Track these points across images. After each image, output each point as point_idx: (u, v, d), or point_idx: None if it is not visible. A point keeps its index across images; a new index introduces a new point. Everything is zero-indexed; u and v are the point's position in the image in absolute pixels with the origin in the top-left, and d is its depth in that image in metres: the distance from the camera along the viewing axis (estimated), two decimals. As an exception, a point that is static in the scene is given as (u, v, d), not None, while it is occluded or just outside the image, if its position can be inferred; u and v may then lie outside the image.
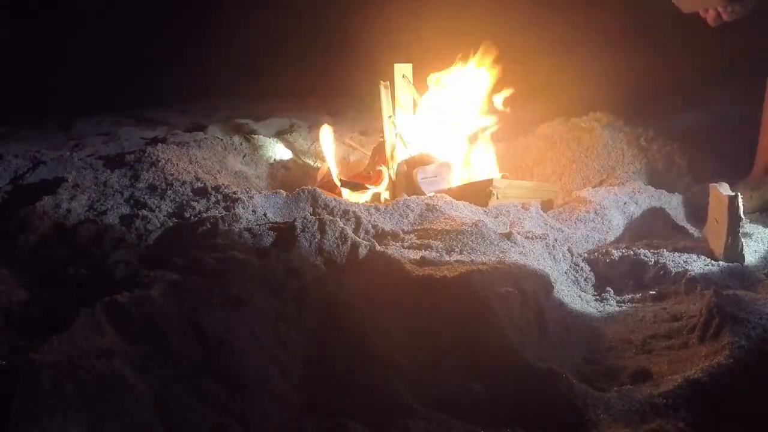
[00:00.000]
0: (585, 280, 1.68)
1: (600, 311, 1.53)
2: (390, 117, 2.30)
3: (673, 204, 2.13)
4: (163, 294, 1.21)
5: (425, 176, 2.19)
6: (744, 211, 1.70)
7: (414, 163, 2.24)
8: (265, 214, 1.85)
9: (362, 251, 1.54)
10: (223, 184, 2.08)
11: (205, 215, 1.83)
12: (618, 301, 1.58)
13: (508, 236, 1.66)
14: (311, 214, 1.77)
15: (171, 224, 1.82)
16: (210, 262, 1.38)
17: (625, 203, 2.08)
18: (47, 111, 3.82)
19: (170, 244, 1.70)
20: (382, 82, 2.36)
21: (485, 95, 2.42)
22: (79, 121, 3.64)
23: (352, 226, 1.73)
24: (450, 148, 2.39)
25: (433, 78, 2.46)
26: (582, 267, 1.71)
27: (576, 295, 1.58)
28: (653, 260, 1.68)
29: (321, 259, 1.52)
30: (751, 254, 1.71)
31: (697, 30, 1.97)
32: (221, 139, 2.72)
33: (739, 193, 1.67)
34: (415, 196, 2.01)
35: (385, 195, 2.30)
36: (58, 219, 1.86)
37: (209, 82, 4.16)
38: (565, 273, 1.67)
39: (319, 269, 1.47)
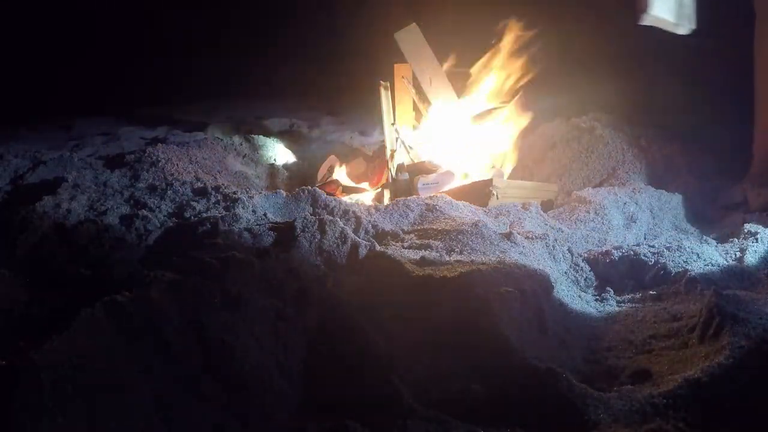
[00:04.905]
0: (585, 280, 1.68)
1: (600, 311, 1.53)
2: (393, 124, 2.30)
3: (673, 204, 2.12)
4: (163, 294, 1.21)
5: (426, 184, 2.19)
6: (751, 209, 1.70)
7: (416, 171, 2.25)
8: (265, 214, 1.85)
9: (362, 251, 1.54)
10: (223, 184, 2.08)
11: (205, 215, 1.83)
12: (618, 301, 1.58)
13: (508, 236, 1.66)
14: (311, 214, 1.77)
15: (171, 224, 1.82)
16: (210, 262, 1.38)
17: (625, 203, 2.08)
18: (47, 111, 3.81)
19: (170, 244, 1.70)
20: (381, 82, 2.35)
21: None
22: (79, 121, 3.64)
23: (352, 226, 1.73)
24: (453, 155, 2.39)
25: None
26: (582, 267, 1.71)
27: (576, 295, 1.58)
28: (653, 260, 1.68)
29: (321, 259, 1.52)
30: (751, 254, 1.71)
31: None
32: (221, 139, 2.72)
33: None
34: (414, 196, 2.02)
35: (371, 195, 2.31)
36: (58, 219, 1.86)
37: (209, 82, 4.16)
38: (565, 273, 1.67)
39: (319, 269, 1.47)
